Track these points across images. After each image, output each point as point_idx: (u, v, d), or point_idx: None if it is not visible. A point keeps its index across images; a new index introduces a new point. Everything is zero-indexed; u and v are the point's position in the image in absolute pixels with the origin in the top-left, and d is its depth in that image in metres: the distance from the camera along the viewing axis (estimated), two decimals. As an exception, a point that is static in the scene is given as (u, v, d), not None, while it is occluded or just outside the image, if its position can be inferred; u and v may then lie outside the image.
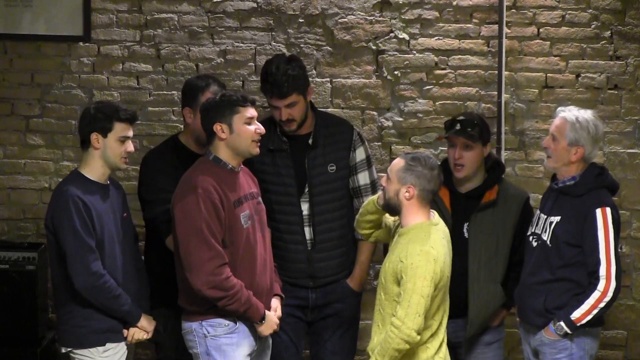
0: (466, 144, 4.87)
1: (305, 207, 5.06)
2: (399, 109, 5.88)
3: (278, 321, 4.68)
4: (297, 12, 5.84)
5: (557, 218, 4.62)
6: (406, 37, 5.83)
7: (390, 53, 5.84)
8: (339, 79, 5.88)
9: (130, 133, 4.64)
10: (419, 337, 4.26)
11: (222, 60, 5.89)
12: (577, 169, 4.65)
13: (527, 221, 4.91)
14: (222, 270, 4.42)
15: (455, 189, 4.94)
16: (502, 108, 5.77)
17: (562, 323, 4.55)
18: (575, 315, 4.53)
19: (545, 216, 4.68)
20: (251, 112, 4.54)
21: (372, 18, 5.83)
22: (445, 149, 5.32)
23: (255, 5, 5.85)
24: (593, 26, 5.75)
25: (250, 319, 4.54)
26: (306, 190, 5.05)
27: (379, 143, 5.89)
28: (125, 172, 5.94)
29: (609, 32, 5.75)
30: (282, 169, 5.04)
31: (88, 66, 5.93)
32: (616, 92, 5.78)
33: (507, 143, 5.81)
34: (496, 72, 5.77)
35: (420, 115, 5.86)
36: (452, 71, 5.83)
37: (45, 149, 5.99)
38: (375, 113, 5.89)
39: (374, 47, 5.85)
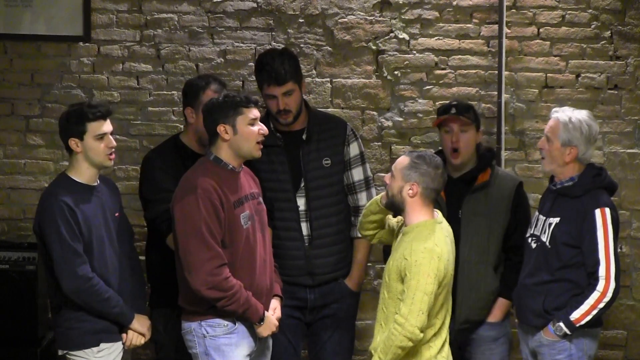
0: (462, 128, 4.90)
1: (301, 203, 5.06)
2: (399, 109, 5.88)
3: (277, 322, 4.68)
4: (297, 12, 5.84)
5: (556, 219, 4.62)
6: (406, 37, 5.83)
7: (390, 53, 5.84)
8: (339, 79, 5.88)
9: (107, 128, 4.61)
10: (422, 335, 4.27)
11: (222, 60, 5.89)
12: (573, 169, 4.65)
13: (521, 205, 4.94)
14: (221, 270, 4.42)
15: (449, 175, 4.95)
16: (502, 108, 5.77)
17: (561, 324, 4.55)
18: (575, 315, 4.53)
19: (544, 217, 4.68)
20: (255, 113, 4.54)
21: (372, 18, 5.83)
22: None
23: (255, 5, 5.85)
24: (593, 26, 5.75)
25: (249, 320, 4.54)
26: (302, 185, 5.05)
27: (379, 143, 5.89)
28: (125, 171, 5.96)
29: (609, 32, 5.75)
30: (277, 165, 5.04)
31: (88, 66, 5.93)
32: (616, 92, 5.78)
33: (507, 143, 5.81)
34: (496, 72, 5.77)
35: (420, 115, 5.86)
36: (452, 71, 5.84)
37: (45, 149, 5.99)
38: (375, 113, 5.89)
39: (374, 47, 5.85)
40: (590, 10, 5.75)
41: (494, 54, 5.79)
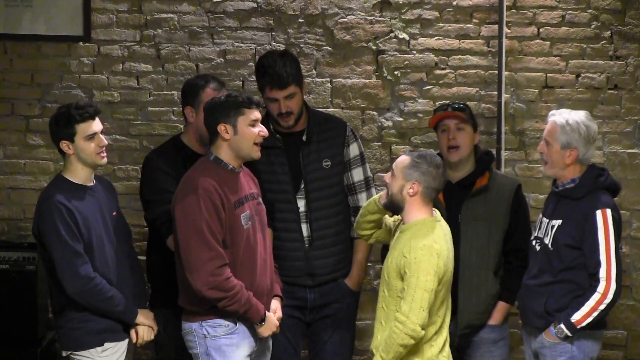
0: (458, 126, 4.91)
1: (301, 204, 5.06)
2: (399, 109, 5.88)
3: (278, 323, 4.68)
4: (297, 12, 5.84)
5: (559, 222, 4.61)
6: (406, 37, 5.83)
7: (390, 53, 5.84)
8: (339, 79, 5.88)
9: (96, 127, 4.60)
10: (423, 332, 4.27)
11: (222, 60, 5.89)
12: (575, 171, 4.64)
13: (520, 208, 4.93)
14: (222, 271, 4.42)
15: (447, 179, 4.95)
16: (502, 108, 5.77)
17: (562, 325, 4.53)
18: (576, 317, 4.51)
19: (548, 220, 4.68)
20: (256, 114, 4.54)
21: (372, 18, 5.83)
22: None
23: (255, 5, 5.85)
24: (593, 26, 5.75)
25: (250, 320, 4.54)
26: (302, 186, 5.05)
27: (379, 143, 5.89)
28: (125, 171, 5.96)
29: (609, 32, 5.75)
30: (276, 167, 5.04)
31: (88, 66, 5.93)
32: (616, 92, 5.79)
33: (507, 143, 5.82)
34: (496, 72, 5.78)
35: (420, 115, 5.87)
36: (452, 71, 5.84)
37: (45, 149, 5.99)
38: (375, 113, 5.89)
39: (374, 47, 5.85)
40: (590, 10, 5.75)
41: (494, 54, 5.79)
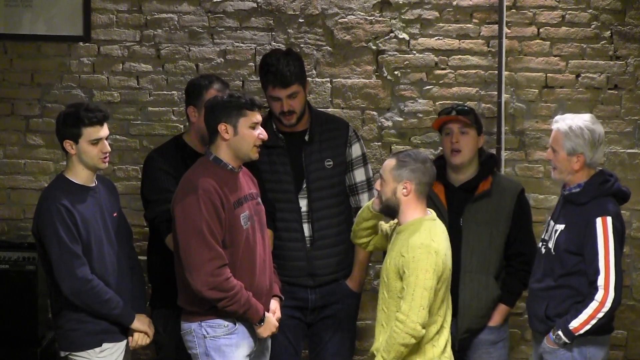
0: (462, 130, 4.90)
1: (303, 204, 5.06)
2: (399, 109, 5.88)
3: (277, 323, 4.67)
4: (297, 12, 5.84)
5: (562, 226, 4.59)
6: (406, 37, 5.83)
7: (390, 53, 5.84)
8: (339, 79, 5.88)
9: (103, 133, 4.59)
10: (424, 331, 4.27)
11: (222, 60, 5.89)
12: (584, 175, 4.60)
13: (523, 212, 4.93)
14: (222, 271, 4.42)
15: (450, 183, 4.95)
16: (502, 108, 5.77)
17: (560, 332, 4.51)
18: (574, 324, 4.49)
19: (554, 223, 4.67)
20: (257, 117, 4.53)
21: (372, 18, 5.83)
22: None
23: (255, 5, 5.85)
24: (593, 26, 5.75)
25: (250, 320, 4.54)
26: (304, 186, 5.05)
27: (379, 143, 5.89)
28: (125, 171, 5.96)
29: (609, 32, 5.75)
30: (278, 166, 5.04)
31: (88, 66, 5.93)
32: (616, 92, 5.78)
33: (507, 143, 5.81)
34: (496, 72, 5.77)
35: (420, 115, 5.86)
36: (452, 71, 5.83)
37: (45, 149, 5.99)
38: (375, 113, 5.89)
39: (374, 47, 5.85)
40: (590, 10, 5.74)
41: (494, 54, 5.79)
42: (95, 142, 4.57)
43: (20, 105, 5.98)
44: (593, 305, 4.47)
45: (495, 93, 5.79)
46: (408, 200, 4.40)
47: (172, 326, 4.90)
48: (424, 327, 4.26)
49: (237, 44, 5.89)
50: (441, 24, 5.81)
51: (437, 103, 5.82)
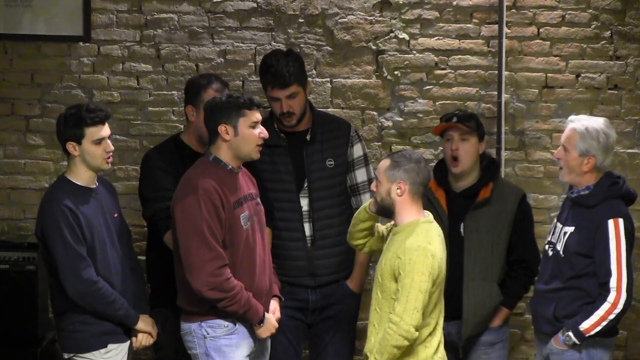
0: (462, 137, 4.87)
1: (304, 203, 5.06)
2: (399, 109, 5.88)
3: (277, 324, 4.67)
4: (297, 12, 5.84)
5: (571, 228, 4.57)
6: (406, 37, 5.83)
7: (390, 53, 5.84)
8: (339, 79, 5.88)
9: (105, 133, 4.59)
10: (417, 334, 4.26)
11: (222, 60, 5.89)
12: (591, 178, 4.58)
13: (524, 218, 4.91)
14: (222, 271, 4.42)
15: (451, 189, 4.94)
16: (502, 108, 5.77)
17: (570, 333, 4.50)
18: (584, 326, 4.48)
19: (562, 226, 4.64)
20: (257, 116, 4.53)
21: (372, 18, 5.83)
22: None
23: (255, 5, 5.85)
24: (593, 26, 5.75)
25: (250, 321, 4.54)
26: (305, 185, 5.05)
27: (379, 143, 5.89)
28: (125, 171, 5.96)
29: (609, 32, 5.75)
30: (280, 166, 5.04)
31: (88, 66, 5.93)
32: (616, 92, 5.78)
33: (507, 143, 5.81)
34: (496, 72, 5.77)
35: (420, 115, 5.86)
36: (452, 71, 5.83)
37: (45, 149, 5.99)
38: (375, 113, 5.89)
39: (374, 47, 5.85)
40: (590, 10, 5.75)
41: (494, 54, 5.79)
42: (99, 141, 4.57)
43: (20, 105, 5.98)
44: (605, 306, 4.47)
45: (495, 93, 5.79)
46: (403, 200, 4.38)
47: (171, 325, 4.90)
48: (417, 330, 4.24)
49: (237, 44, 5.89)
50: (441, 24, 5.81)
51: (437, 103, 5.82)
